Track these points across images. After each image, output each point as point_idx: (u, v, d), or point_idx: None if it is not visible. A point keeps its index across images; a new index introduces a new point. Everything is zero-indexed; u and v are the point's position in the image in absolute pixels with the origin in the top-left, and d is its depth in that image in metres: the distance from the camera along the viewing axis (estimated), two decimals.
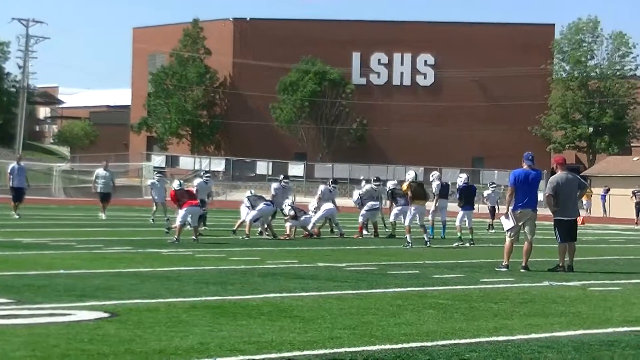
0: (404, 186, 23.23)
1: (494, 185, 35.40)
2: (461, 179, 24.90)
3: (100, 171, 35.61)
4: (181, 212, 22.07)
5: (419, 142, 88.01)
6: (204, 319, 9.09)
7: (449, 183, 27.96)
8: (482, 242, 25.94)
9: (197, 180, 27.85)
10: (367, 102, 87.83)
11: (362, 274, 14.55)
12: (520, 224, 16.39)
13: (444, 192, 25.88)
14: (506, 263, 16.25)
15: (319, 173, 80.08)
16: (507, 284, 13.78)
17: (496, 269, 16.23)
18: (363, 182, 29.56)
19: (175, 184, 24.71)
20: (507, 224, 16.36)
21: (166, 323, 8.67)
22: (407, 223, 23.03)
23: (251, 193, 26.28)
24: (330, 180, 28.27)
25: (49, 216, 34.80)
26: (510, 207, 16.35)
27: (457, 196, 24.87)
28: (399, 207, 25.78)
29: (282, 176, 26.98)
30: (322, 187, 27.73)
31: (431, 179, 25.87)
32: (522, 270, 16.00)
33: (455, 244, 23.51)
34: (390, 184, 27.00)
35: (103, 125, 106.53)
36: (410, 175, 23.18)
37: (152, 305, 10.16)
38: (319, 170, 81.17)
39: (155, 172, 28.30)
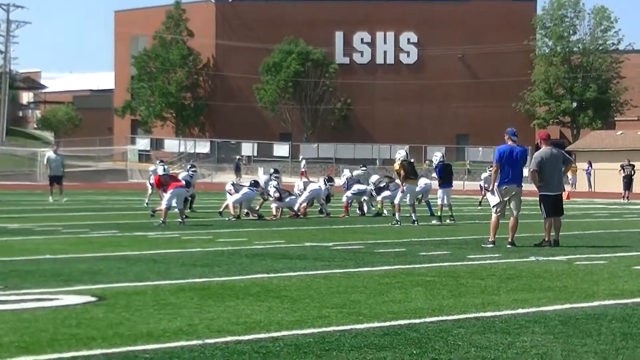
0: (396, 165, 23.21)
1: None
2: (437, 157, 24.97)
3: (51, 155, 36.05)
4: (166, 194, 22.00)
5: (404, 121, 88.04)
6: (191, 301, 9.04)
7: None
8: (469, 219, 25.97)
9: (183, 175, 27.85)
10: (351, 82, 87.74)
11: (349, 253, 14.53)
12: (505, 199, 16.41)
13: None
14: (492, 239, 16.29)
15: (304, 153, 79.91)
16: (494, 260, 13.80)
17: (482, 245, 16.27)
18: (360, 166, 32.13)
19: (160, 170, 24.71)
20: (493, 200, 16.41)
21: (154, 306, 8.64)
22: (397, 201, 23.07)
23: (233, 184, 26.20)
24: (326, 178, 28.11)
25: (34, 202, 34.65)
26: (496, 184, 16.37)
27: (437, 175, 24.91)
28: (388, 192, 26.01)
29: (272, 169, 27.03)
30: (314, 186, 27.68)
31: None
32: (508, 246, 16.04)
33: (435, 222, 23.56)
34: (372, 181, 27.30)
35: (86, 110, 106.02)
36: (401, 154, 23.18)
37: (139, 288, 10.13)
38: (304, 150, 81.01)
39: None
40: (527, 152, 17.50)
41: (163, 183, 22.31)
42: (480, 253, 14.77)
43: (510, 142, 16.35)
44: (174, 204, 21.89)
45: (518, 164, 16.36)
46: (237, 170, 65.94)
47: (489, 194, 16.87)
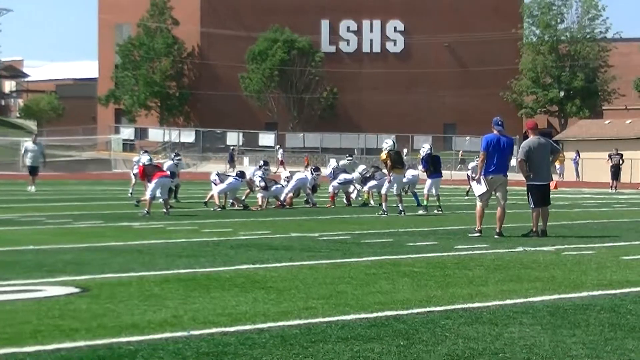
0: (383, 155, 23.14)
1: None
2: (424, 149, 25.13)
3: (29, 145, 35.81)
4: (150, 184, 21.88)
5: (390, 110, 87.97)
6: (176, 292, 8.99)
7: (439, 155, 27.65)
8: (456, 209, 25.95)
9: (168, 164, 27.61)
10: (337, 70, 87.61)
11: (335, 244, 14.46)
12: (492, 189, 16.36)
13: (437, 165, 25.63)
14: (479, 228, 16.25)
15: (290, 143, 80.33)
16: (481, 250, 13.76)
17: (469, 235, 16.21)
18: (347, 156, 31.88)
19: (145, 159, 24.56)
20: (479, 189, 16.36)
21: (138, 297, 8.59)
22: (383, 191, 23.02)
23: (218, 173, 25.93)
24: (312, 167, 28.09)
25: (16, 192, 34.42)
26: (482, 173, 16.31)
27: (423, 166, 24.97)
28: (374, 182, 26.07)
29: (262, 162, 26.79)
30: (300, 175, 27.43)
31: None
32: (495, 237, 15.99)
33: (421, 212, 23.54)
34: (357, 172, 27.38)
35: (70, 98, 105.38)
36: (388, 143, 23.09)
37: (124, 279, 10.05)
38: (290, 139, 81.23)
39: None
40: (514, 142, 17.47)
41: (147, 173, 22.19)
42: (468, 243, 14.72)
43: (495, 132, 16.29)
44: (158, 194, 21.77)
45: (505, 153, 16.32)
46: (231, 161, 65.95)
47: (474, 183, 16.80)
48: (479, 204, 16.38)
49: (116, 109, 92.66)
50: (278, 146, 72.74)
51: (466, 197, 32.10)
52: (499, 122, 16.48)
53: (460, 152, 75.49)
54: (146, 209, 21.12)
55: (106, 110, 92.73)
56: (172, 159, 28.00)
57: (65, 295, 8.78)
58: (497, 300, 8.67)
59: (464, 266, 11.55)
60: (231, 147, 70.26)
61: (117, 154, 78.50)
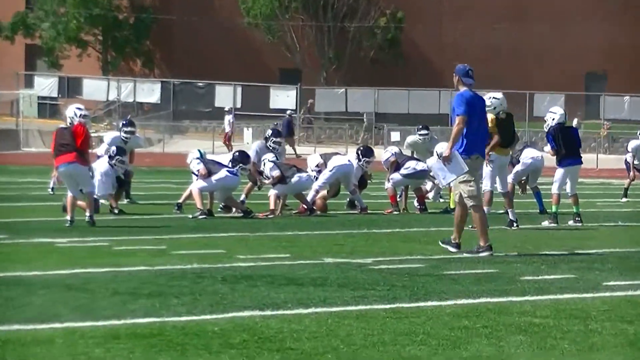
0: (489, 120, 16.56)
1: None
2: (553, 116, 17.52)
3: None
4: (53, 173, 16.46)
5: (492, 51, 59.04)
6: (131, 355, 6.84)
7: None
8: (606, 218, 20.41)
9: (111, 135, 20.32)
10: None
11: (400, 277, 10.76)
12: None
13: None
14: (456, 241, 12.31)
15: (322, 105, 55.38)
16: None
17: (465, 254, 12.20)
18: (418, 128, 21.89)
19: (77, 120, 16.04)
20: (454, 170, 12.82)
21: None
22: (487, 187, 16.91)
23: (201, 153, 18.84)
24: (360, 148, 19.79)
25: None
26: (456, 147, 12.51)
27: (550, 144, 18.41)
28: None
29: (269, 131, 19.45)
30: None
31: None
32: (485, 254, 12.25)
33: (547, 223, 17.93)
34: (436, 156, 17.69)
35: None
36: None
37: (43, 332, 7.47)
38: (322, 99, 54.93)
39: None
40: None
41: (56, 145, 15.45)
42: (624, 277, 10.91)
43: (466, 87, 12.53)
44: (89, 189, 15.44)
45: (485, 119, 13.00)
46: (228, 138, 46.62)
47: (438, 165, 12.85)
48: (459, 204, 12.41)
49: (28, 45, 66.30)
50: (227, 108, 49.41)
51: (624, 200, 24.29)
52: (469, 72, 12.76)
53: (606, 124, 50.58)
54: (68, 216, 15.01)
55: (12, 47, 65.23)
56: (120, 130, 20.13)
57: None
58: None
59: (619, 316, 8.51)
60: (226, 112, 48.63)
61: (29, 122, 54.63)
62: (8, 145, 47.53)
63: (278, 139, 18.08)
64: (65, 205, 15.92)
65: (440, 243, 12.38)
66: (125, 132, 19.36)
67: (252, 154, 17.97)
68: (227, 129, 46.58)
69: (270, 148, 17.81)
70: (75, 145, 14.45)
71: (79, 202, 15.26)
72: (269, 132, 18.46)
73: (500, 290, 9.84)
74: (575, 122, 37.12)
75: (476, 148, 12.53)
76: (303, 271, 10.92)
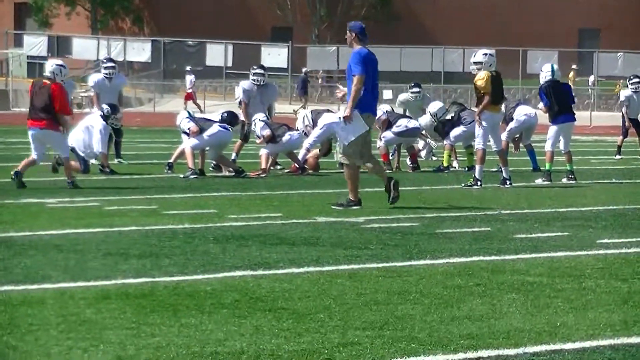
0: (480, 78, 16.00)
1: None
2: (545, 73, 17.29)
3: None
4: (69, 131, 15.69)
5: (486, 7, 59.75)
6: (122, 316, 6.62)
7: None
8: (599, 175, 19.93)
9: (94, 78, 19.39)
10: None
11: (393, 235, 10.49)
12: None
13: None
14: (354, 199, 12.38)
15: (314, 62, 55.13)
16: None
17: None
18: (411, 86, 21.99)
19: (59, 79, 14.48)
20: (353, 130, 12.29)
21: (58, 325, 6.34)
22: (479, 145, 16.43)
23: (189, 113, 18.56)
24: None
25: None
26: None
27: (543, 101, 18.17)
28: (463, 128, 18.70)
29: (254, 68, 19.13)
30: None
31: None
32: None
33: (540, 180, 17.68)
34: (428, 115, 19.47)
35: None
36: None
37: (34, 293, 7.25)
38: (314, 57, 55.30)
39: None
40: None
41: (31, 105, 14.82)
42: (620, 235, 10.68)
43: (359, 45, 12.15)
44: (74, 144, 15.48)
45: (376, 77, 12.51)
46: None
47: (338, 124, 13.05)
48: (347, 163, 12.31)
49: (17, 3, 67.11)
50: (188, 68, 49.49)
51: (617, 157, 24.09)
52: (363, 30, 12.38)
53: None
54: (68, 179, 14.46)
55: (0, 6, 66.46)
56: (101, 68, 19.23)
57: None
58: None
59: (613, 274, 8.29)
60: (187, 72, 48.75)
61: (18, 82, 54.47)
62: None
63: (259, 71, 18.05)
64: (54, 165, 15.62)
65: (334, 207, 12.18)
66: (106, 67, 18.84)
67: (239, 93, 18.25)
68: (189, 86, 46.36)
69: (254, 82, 17.85)
70: (52, 108, 13.79)
71: (72, 163, 15.02)
72: (254, 69, 18.38)
73: (494, 249, 9.62)
74: (571, 75, 36.45)
75: (369, 107, 12.23)
76: (295, 231, 10.65)
